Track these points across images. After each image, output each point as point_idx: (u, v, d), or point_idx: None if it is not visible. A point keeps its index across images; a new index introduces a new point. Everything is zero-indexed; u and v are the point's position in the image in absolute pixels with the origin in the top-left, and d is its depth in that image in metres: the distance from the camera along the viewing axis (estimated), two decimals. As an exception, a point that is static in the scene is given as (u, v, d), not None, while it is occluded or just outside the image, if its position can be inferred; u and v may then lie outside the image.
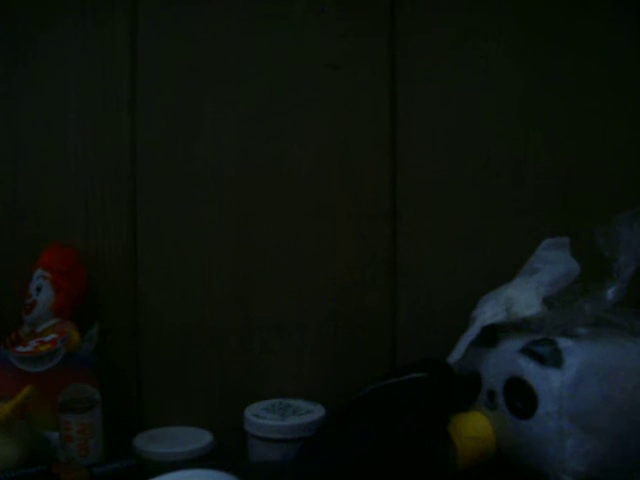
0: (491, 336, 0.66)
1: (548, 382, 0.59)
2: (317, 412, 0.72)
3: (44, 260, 0.76)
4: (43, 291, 0.74)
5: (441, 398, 0.63)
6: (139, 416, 0.80)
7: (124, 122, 0.79)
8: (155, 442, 0.72)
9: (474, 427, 0.63)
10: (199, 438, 0.73)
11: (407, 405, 0.63)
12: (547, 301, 0.64)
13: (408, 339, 0.80)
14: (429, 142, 0.80)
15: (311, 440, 0.67)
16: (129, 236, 0.80)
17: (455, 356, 0.65)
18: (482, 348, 0.66)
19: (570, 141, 0.80)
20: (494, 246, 0.80)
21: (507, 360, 0.63)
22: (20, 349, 0.69)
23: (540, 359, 0.60)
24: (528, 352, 0.62)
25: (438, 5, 0.80)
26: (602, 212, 0.64)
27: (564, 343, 0.60)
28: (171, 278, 0.80)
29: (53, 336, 0.70)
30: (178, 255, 0.80)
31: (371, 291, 0.80)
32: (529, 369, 0.61)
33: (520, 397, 0.61)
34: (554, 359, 0.60)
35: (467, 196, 0.80)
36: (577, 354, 0.59)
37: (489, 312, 0.66)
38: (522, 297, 0.65)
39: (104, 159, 0.79)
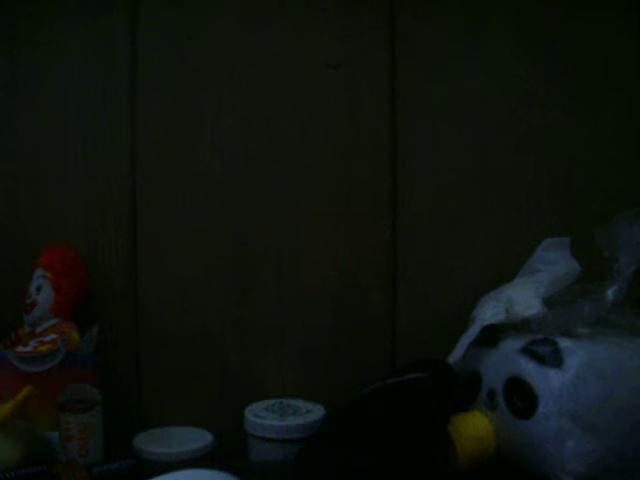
0: (491, 336, 0.66)
1: (548, 382, 0.59)
2: (317, 412, 0.72)
3: (44, 260, 0.76)
4: (43, 291, 0.74)
5: (441, 398, 0.63)
6: (139, 416, 0.80)
7: (124, 122, 0.79)
8: (155, 442, 0.72)
9: (474, 427, 0.63)
10: (199, 438, 0.73)
11: (407, 405, 0.63)
12: (547, 301, 0.64)
13: (408, 339, 0.80)
14: (429, 142, 0.80)
15: (311, 440, 0.67)
16: (129, 236, 0.80)
17: (455, 356, 0.65)
18: (482, 348, 0.66)
19: (571, 141, 0.80)
20: (494, 246, 0.80)
21: (507, 360, 0.63)
22: (20, 349, 0.69)
23: (540, 359, 0.60)
24: (528, 352, 0.62)
25: (438, 4, 0.80)
26: (602, 212, 0.64)
27: (564, 343, 0.60)
28: (171, 278, 0.80)
29: (53, 336, 0.70)
30: (178, 255, 0.80)
31: (371, 291, 0.80)
32: (529, 369, 0.61)
33: (520, 397, 0.61)
34: (554, 359, 0.60)
35: (467, 196, 0.80)
36: (577, 354, 0.59)
37: (489, 312, 0.66)
38: (522, 297, 0.65)
39: (104, 159, 0.79)
